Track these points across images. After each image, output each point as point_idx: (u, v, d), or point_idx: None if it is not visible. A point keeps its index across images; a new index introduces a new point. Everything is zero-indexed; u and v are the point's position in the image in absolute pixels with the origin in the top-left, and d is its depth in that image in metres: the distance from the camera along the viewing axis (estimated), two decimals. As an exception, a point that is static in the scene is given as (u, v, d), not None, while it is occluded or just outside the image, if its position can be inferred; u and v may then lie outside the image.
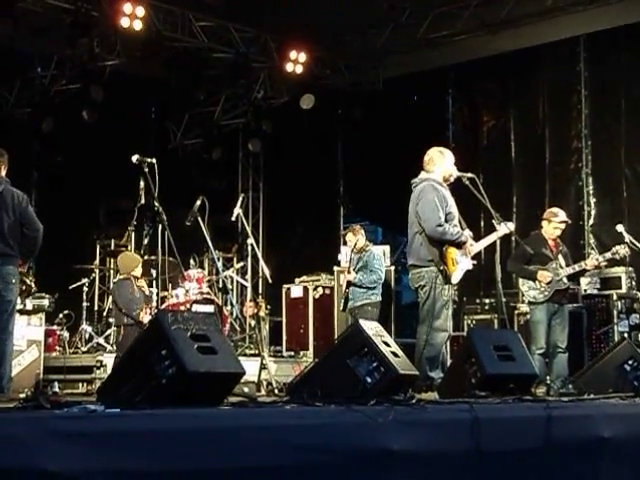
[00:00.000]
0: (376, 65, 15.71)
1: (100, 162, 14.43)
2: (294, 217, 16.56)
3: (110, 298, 12.45)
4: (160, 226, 7.97)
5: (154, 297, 10.21)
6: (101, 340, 12.00)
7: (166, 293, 11.39)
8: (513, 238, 10.38)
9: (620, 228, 10.64)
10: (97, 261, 14.01)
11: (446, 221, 8.38)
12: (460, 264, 8.45)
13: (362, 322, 5.91)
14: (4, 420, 3.84)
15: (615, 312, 11.44)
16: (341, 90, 15.87)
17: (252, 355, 11.53)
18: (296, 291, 13.52)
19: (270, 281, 11.42)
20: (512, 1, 13.60)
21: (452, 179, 8.68)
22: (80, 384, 10.72)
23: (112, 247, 14.02)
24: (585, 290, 11.88)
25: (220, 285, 13.22)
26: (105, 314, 13.00)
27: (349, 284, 11.38)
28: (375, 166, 15.34)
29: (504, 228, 8.74)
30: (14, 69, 14.10)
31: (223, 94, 15.97)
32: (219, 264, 12.25)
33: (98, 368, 10.57)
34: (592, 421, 5.67)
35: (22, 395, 6.88)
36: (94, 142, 14.37)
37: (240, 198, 10.54)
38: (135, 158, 8.03)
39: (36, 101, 14.40)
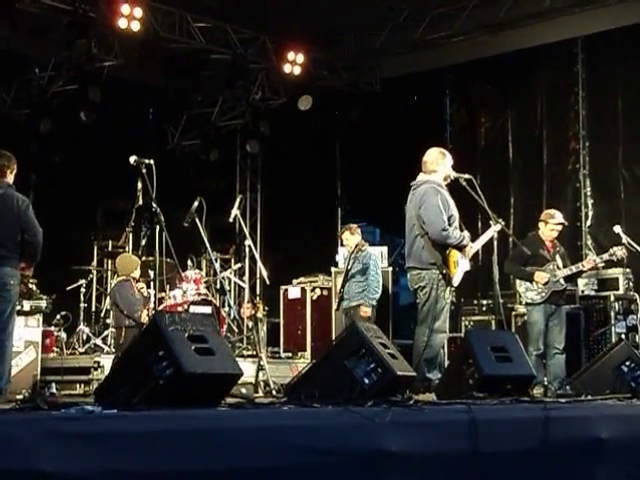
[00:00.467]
0: (374, 66, 15.72)
1: (98, 163, 14.43)
2: (292, 218, 16.56)
3: (108, 299, 12.44)
4: (158, 227, 7.96)
5: (152, 298, 10.21)
6: (98, 341, 12.00)
7: (163, 294, 11.39)
8: (510, 239, 10.38)
9: (617, 229, 10.65)
10: (95, 262, 14.02)
11: (448, 224, 8.39)
12: (460, 266, 8.47)
13: (360, 323, 5.91)
14: (1, 421, 3.83)
15: (612, 313, 11.45)
16: (339, 91, 15.87)
17: (249, 356, 11.52)
18: (294, 292, 13.52)
19: (268, 282, 11.41)
20: (510, 2, 13.62)
21: (449, 180, 8.69)
22: (77, 385, 10.71)
23: (110, 248, 14.02)
24: (582, 291, 11.88)
25: (218, 286, 13.21)
26: (103, 315, 12.99)
27: (344, 283, 11.31)
28: (373, 167, 15.35)
29: (494, 226, 8.75)
30: (12, 70, 14.08)
31: (221, 95, 15.96)
32: (217, 265, 12.23)
33: (95, 369, 10.56)
34: (589, 422, 5.67)
35: (20, 396, 6.89)
36: (92, 143, 14.37)
37: (238, 199, 10.53)
38: (133, 159, 8.03)
39: (34, 102, 14.38)
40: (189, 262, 12.58)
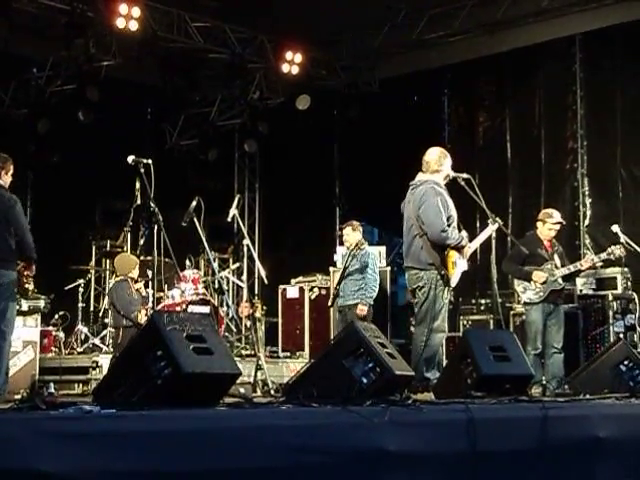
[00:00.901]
0: (372, 66, 15.71)
1: (96, 163, 14.42)
2: (290, 218, 16.56)
3: (106, 299, 12.45)
4: (156, 227, 7.96)
5: (150, 298, 10.21)
6: (97, 341, 12.00)
7: (162, 294, 11.39)
8: (509, 239, 10.38)
9: (615, 228, 10.66)
10: (93, 262, 14.01)
11: (447, 225, 8.39)
12: (458, 266, 8.47)
13: (358, 323, 5.91)
14: (0, 421, 3.83)
15: (611, 312, 11.45)
16: (337, 91, 15.87)
17: (248, 356, 11.53)
18: (292, 292, 13.52)
19: (266, 282, 11.41)
20: (508, 1, 13.62)
21: (448, 180, 8.69)
22: (76, 385, 10.71)
23: (108, 248, 14.02)
24: (581, 290, 11.88)
25: (216, 286, 13.19)
26: (101, 315, 12.99)
27: (340, 280, 11.28)
28: (371, 167, 15.34)
29: (492, 225, 8.75)
30: (10, 70, 14.08)
31: (219, 95, 15.96)
32: (215, 265, 12.22)
33: (94, 369, 10.57)
34: (588, 421, 5.67)
35: (18, 396, 6.88)
36: (90, 143, 14.37)
37: (236, 199, 10.53)
38: (131, 159, 8.03)
39: (32, 102, 14.38)
40: (187, 262, 12.57)
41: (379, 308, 11.91)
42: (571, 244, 12.81)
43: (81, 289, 12.88)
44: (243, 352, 12.24)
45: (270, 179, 17.25)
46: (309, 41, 14.78)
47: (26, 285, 8.81)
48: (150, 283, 10.15)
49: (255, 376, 8.97)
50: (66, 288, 12.79)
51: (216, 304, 12.39)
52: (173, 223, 8.78)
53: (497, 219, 8.80)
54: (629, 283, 11.75)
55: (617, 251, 10.15)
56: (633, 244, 10.51)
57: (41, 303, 10.67)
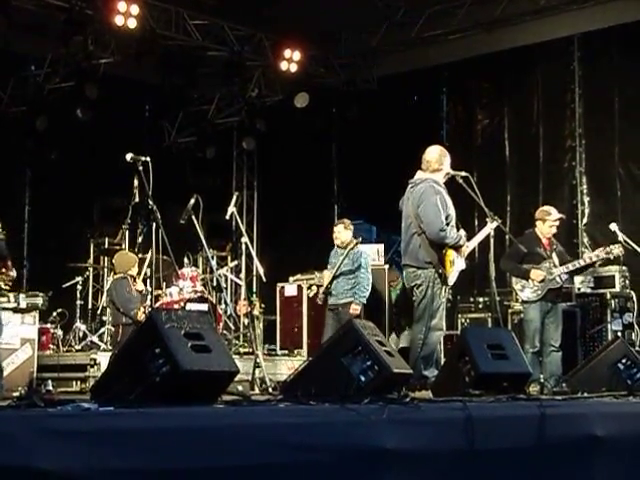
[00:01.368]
0: (370, 64, 15.71)
1: (94, 160, 14.44)
2: (288, 215, 16.56)
3: (104, 297, 12.45)
4: (154, 224, 7.96)
5: (149, 296, 10.22)
6: (95, 338, 12.00)
7: (160, 291, 11.39)
8: (507, 237, 10.39)
9: (614, 227, 10.66)
10: (91, 259, 14.01)
11: (446, 224, 8.39)
12: (456, 265, 8.48)
13: (356, 321, 5.91)
14: (-3, 418, 3.84)
15: (609, 311, 11.46)
16: (335, 89, 15.87)
17: (246, 353, 11.53)
18: (290, 290, 13.52)
19: (264, 280, 11.41)
20: (506, 0, 13.62)
21: (447, 178, 8.70)
22: (74, 382, 10.71)
23: (106, 245, 14.03)
24: (579, 289, 11.89)
25: (214, 283, 13.20)
26: (99, 312, 12.99)
27: (333, 279, 11.22)
28: (369, 164, 15.34)
29: (491, 223, 8.75)
30: (8, 67, 14.08)
31: (217, 92, 15.97)
32: (213, 262, 12.20)
33: (92, 366, 10.56)
34: (585, 420, 5.67)
35: (16, 393, 6.87)
36: (88, 140, 14.38)
37: (234, 196, 10.53)
38: (129, 156, 8.03)
39: (30, 99, 14.37)
40: (185, 259, 12.58)
41: (377, 306, 11.90)
42: (569, 242, 12.80)
43: (79, 286, 12.88)
44: (241, 350, 12.24)
45: (268, 177, 17.25)
46: (308, 39, 14.77)
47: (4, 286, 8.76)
48: (148, 281, 10.15)
49: (253, 374, 8.98)
50: (64, 285, 12.79)
51: (214, 302, 12.40)
52: (171, 221, 8.78)
53: (495, 217, 8.80)
54: (627, 281, 11.75)
55: (615, 250, 10.15)
56: (631, 242, 10.51)
57: (39, 300, 10.67)
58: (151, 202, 7.95)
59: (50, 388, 7.64)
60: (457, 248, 8.50)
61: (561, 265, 10.20)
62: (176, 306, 11.25)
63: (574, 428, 5.57)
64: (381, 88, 15.63)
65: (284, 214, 16.58)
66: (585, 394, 6.61)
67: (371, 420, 4.64)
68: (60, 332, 11.85)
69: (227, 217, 10.26)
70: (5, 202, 13.36)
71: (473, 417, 5.01)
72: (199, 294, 11.86)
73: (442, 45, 14.68)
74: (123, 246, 13.33)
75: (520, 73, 14.59)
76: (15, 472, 3.60)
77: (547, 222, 10.33)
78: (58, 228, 14.33)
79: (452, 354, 7.14)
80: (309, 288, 11.98)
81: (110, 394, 4.61)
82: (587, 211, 13.70)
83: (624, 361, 7.29)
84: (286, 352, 13.11)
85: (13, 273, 8.71)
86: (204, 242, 9.62)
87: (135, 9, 12.84)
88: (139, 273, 11.64)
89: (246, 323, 12.56)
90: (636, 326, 11.33)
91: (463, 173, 8.64)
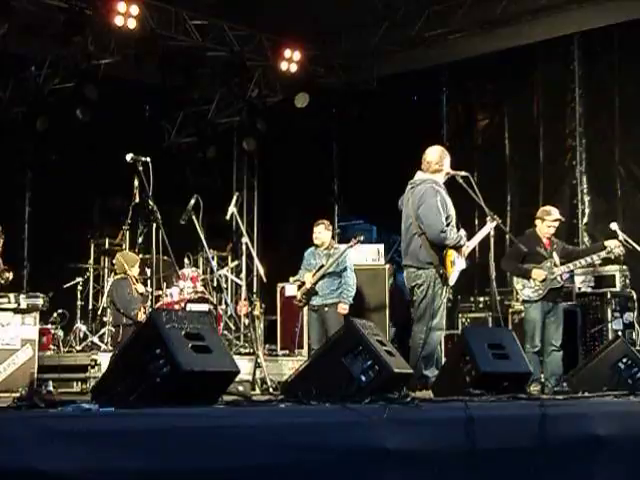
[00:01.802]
0: (370, 64, 15.70)
1: (94, 161, 14.44)
2: (288, 216, 16.56)
3: (105, 297, 12.44)
4: (154, 225, 7.96)
5: (149, 296, 10.22)
6: (95, 339, 11.99)
7: (160, 292, 11.38)
8: (507, 236, 10.39)
9: (614, 226, 10.65)
10: (91, 260, 13.99)
11: (446, 224, 8.39)
12: (456, 265, 8.48)
13: (357, 321, 5.91)
14: (-2, 419, 3.84)
15: (609, 310, 11.44)
16: (336, 89, 15.87)
17: (246, 354, 11.54)
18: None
19: (264, 280, 11.40)
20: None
21: (447, 177, 8.70)
22: (74, 383, 10.70)
23: (106, 246, 14.01)
24: (579, 288, 11.88)
25: (214, 284, 13.19)
26: (99, 313, 12.98)
27: (317, 280, 11.17)
28: (370, 164, 15.34)
29: (491, 223, 8.75)
30: (8, 68, 14.07)
31: (217, 93, 15.96)
32: (213, 263, 12.21)
33: (92, 367, 10.55)
34: (586, 419, 5.67)
35: (16, 394, 6.88)
36: (88, 141, 14.38)
37: (234, 197, 10.52)
38: (129, 157, 8.02)
39: (30, 100, 14.36)
40: (186, 260, 12.58)
41: (377, 305, 11.90)
42: (569, 242, 12.76)
43: (80, 287, 12.88)
44: (242, 350, 12.25)
45: (269, 177, 17.25)
46: (308, 39, 14.78)
47: None
48: (149, 281, 10.15)
49: (254, 374, 8.98)
50: (65, 286, 12.78)
51: (215, 302, 12.39)
52: (171, 221, 8.78)
53: (495, 217, 8.80)
54: (628, 281, 11.75)
55: (616, 249, 10.15)
56: (631, 242, 10.51)
57: (40, 301, 10.65)
58: (151, 202, 7.94)
59: (51, 389, 7.65)
60: (458, 248, 8.50)
61: (563, 264, 10.20)
62: (176, 307, 11.25)
63: (575, 428, 5.57)
64: (381, 88, 15.62)
65: (284, 214, 16.58)
66: (586, 394, 6.62)
67: (372, 420, 4.64)
68: (61, 333, 11.84)
69: (227, 217, 10.25)
70: (5, 203, 13.38)
71: (474, 417, 5.01)
72: (199, 294, 11.86)
73: (442, 45, 14.66)
74: (123, 247, 13.32)
75: (520, 73, 14.58)
76: (15, 473, 3.60)
77: (546, 222, 10.33)
78: (58, 229, 14.33)
79: (453, 354, 7.15)
80: (299, 289, 11.86)
81: (111, 395, 4.61)
82: (587, 210, 13.69)
83: (625, 360, 7.29)
84: (287, 352, 13.10)
85: (8, 275, 8.73)
86: (204, 242, 9.61)
87: (135, 9, 12.83)
88: (140, 273, 11.63)
89: (246, 323, 12.56)
90: (637, 325, 11.32)
91: (463, 173, 8.64)
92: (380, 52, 15.29)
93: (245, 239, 10.63)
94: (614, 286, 11.70)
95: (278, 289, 13.59)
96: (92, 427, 3.91)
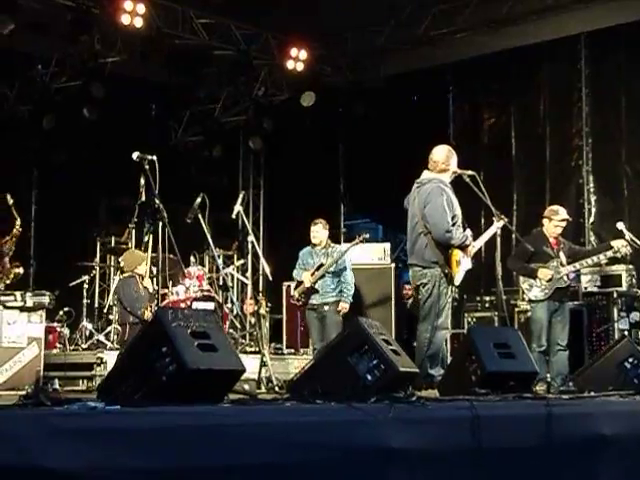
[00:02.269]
0: (377, 63, 15.70)
1: (101, 159, 14.45)
2: (294, 215, 16.55)
3: (111, 296, 12.45)
4: (160, 223, 7.97)
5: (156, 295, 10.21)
6: (101, 337, 11.99)
7: (166, 290, 11.39)
8: (513, 236, 10.39)
9: (620, 226, 10.64)
10: (97, 258, 14.01)
11: (452, 224, 8.39)
12: (462, 265, 8.48)
13: (363, 320, 5.91)
14: (4, 417, 3.83)
15: (615, 310, 11.43)
16: (342, 88, 15.86)
17: (252, 352, 11.53)
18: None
19: (270, 278, 11.42)
20: (513, -1, 13.63)
21: (453, 176, 8.70)
22: (80, 381, 10.71)
23: (112, 244, 14.04)
24: (585, 288, 11.87)
25: (220, 282, 13.21)
26: (105, 311, 12.99)
27: (317, 279, 11.17)
28: (376, 163, 15.34)
29: (497, 222, 8.76)
30: (14, 67, 14.09)
31: (224, 91, 15.96)
32: (219, 261, 12.22)
33: (98, 365, 10.55)
34: (592, 419, 5.66)
35: (22, 392, 6.89)
36: (95, 139, 14.40)
37: (240, 195, 10.53)
38: (136, 155, 8.03)
39: (37, 99, 14.38)
40: (192, 258, 12.58)
41: (383, 304, 11.89)
42: (576, 241, 12.77)
43: (86, 285, 12.88)
44: (247, 349, 12.24)
45: (275, 176, 17.25)
46: (314, 38, 14.78)
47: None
48: (155, 280, 10.15)
49: (259, 373, 8.98)
50: (71, 284, 12.79)
51: (220, 301, 12.40)
52: (178, 219, 8.79)
53: (502, 216, 8.80)
54: (634, 280, 11.74)
55: (623, 249, 10.14)
56: (638, 241, 10.50)
57: (46, 299, 10.66)
58: (157, 201, 7.95)
59: (57, 387, 7.66)
60: (463, 248, 8.50)
61: (570, 263, 10.19)
62: (182, 305, 11.24)
63: (581, 427, 5.56)
64: (387, 87, 15.60)
65: (290, 213, 16.57)
66: (592, 393, 6.60)
67: (377, 419, 4.64)
68: (67, 331, 11.85)
69: (233, 216, 10.26)
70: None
71: (480, 416, 5.00)
72: (205, 293, 11.86)
73: (448, 44, 14.65)
74: (130, 245, 13.33)
75: (527, 72, 14.57)
76: (21, 471, 3.61)
77: (553, 221, 10.32)
78: (65, 227, 14.35)
79: (459, 353, 7.15)
80: (295, 288, 11.83)
81: (117, 393, 4.61)
82: (594, 210, 13.68)
83: (631, 360, 7.28)
84: (292, 351, 13.11)
85: (18, 270, 8.74)
86: (210, 241, 9.62)
87: (141, 8, 12.84)
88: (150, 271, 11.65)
89: (252, 322, 12.57)
90: (643, 325, 11.32)
91: (470, 172, 8.64)
92: (386, 51, 15.29)
93: (251, 238, 10.64)
94: (620, 286, 11.69)
95: (284, 288, 13.60)
96: (98, 425, 3.91)
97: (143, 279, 11.46)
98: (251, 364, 8.91)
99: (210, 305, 11.50)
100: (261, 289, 15.14)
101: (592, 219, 13.64)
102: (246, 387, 5.80)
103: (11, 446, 3.62)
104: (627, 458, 5.68)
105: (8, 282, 9.88)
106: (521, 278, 10.42)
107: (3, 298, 9.62)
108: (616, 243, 10.21)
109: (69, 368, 10.61)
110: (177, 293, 11.61)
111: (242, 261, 14.60)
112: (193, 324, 4.93)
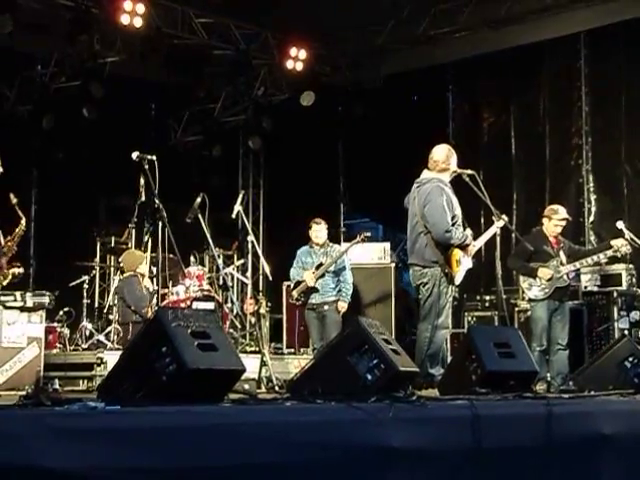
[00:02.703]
0: (376, 62, 15.69)
1: (100, 159, 14.44)
2: (294, 214, 16.54)
3: (111, 296, 12.44)
4: (160, 223, 7.97)
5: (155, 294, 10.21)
6: (101, 337, 11.99)
7: (166, 290, 11.39)
8: (513, 235, 10.39)
9: (620, 225, 10.65)
10: (97, 258, 14.00)
11: (452, 224, 8.39)
12: (462, 264, 8.48)
13: (363, 319, 5.91)
14: (4, 417, 3.83)
15: (615, 309, 11.43)
16: (341, 87, 15.86)
17: (252, 352, 11.52)
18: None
19: (270, 278, 11.42)
20: (512, -2, 13.63)
21: (453, 176, 8.70)
22: (80, 381, 10.70)
23: (112, 244, 14.03)
24: (585, 287, 11.87)
25: (220, 282, 13.19)
26: (106, 311, 12.99)
27: (318, 278, 11.17)
28: (375, 163, 15.34)
29: (497, 222, 8.76)
30: (14, 66, 14.08)
31: (223, 91, 15.96)
32: (219, 261, 12.21)
33: (98, 365, 10.54)
34: (592, 418, 5.66)
35: (23, 392, 6.89)
36: (94, 139, 14.39)
37: (240, 195, 10.54)
38: (135, 155, 8.03)
39: (36, 98, 14.37)
40: (192, 258, 12.58)
41: (383, 303, 11.89)
42: (576, 240, 12.77)
43: (86, 285, 12.88)
44: (247, 348, 12.24)
45: (274, 175, 17.24)
46: (313, 37, 14.78)
47: None
48: (155, 279, 10.15)
49: (260, 372, 8.98)
50: (71, 284, 12.79)
51: (220, 300, 12.39)
52: (177, 219, 8.78)
53: (502, 216, 8.80)
54: (634, 280, 11.74)
55: (623, 248, 10.14)
56: (638, 240, 10.50)
57: (46, 299, 10.64)
58: (157, 201, 7.95)
59: (57, 387, 7.66)
60: (464, 247, 8.50)
61: (569, 262, 10.19)
62: (182, 305, 11.24)
63: (581, 426, 5.56)
64: (387, 86, 15.61)
65: (290, 213, 16.56)
66: (592, 392, 6.60)
67: (377, 418, 4.64)
68: (67, 331, 11.84)
69: (233, 216, 10.27)
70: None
71: (480, 415, 5.00)
72: (205, 293, 11.85)
73: (448, 43, 14.65)
74: (129, 245, 13.32)
75: (526, 71, 14.57)
76: (21, 471, 3.61)
77: (553, 220, 10.32)
78: (64, 227, 14.34)
79: (459, 352, 7.14)
80: (294, 288, 11.80)
81: (117, 393, 4.61)
82: (594, 209, 13.68)
83: (631, 359, 7.27)
84: (292, 351, 13.10)
85: (19, 270, 8.72)
86: (210, 241, 9.62)
87: (141, 8, 12.84)
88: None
89: (252, 322, 12.55)
90: (643, 324, 11.32)
91: (469, 171, 8.64)
92: (386, 51, 15.29)
93: (251, 237, 10.65)
94: (620, 285, 11.69)
95: (284, 287, 13.58)
96: (98, 425, 3.92)
97: (144, 278, 11.46)
98: (251, 364, 8.90)
99: (210, 305, 11.49)
100: (261, 289, 15.14)
101: (592, 218, 13.64)
102: (246, 387, 5.80)
103: (11, 446, 3.62)
104: (627, 457, 5.68)
105: (5, 283, 9.86)
106: (521, 277, 10.43)
107: (3, 298, 9.60)
108: (616, 242, 10.21)
109: (69, 368, 10.60)
110: (177, 293, 11.61)
111: (242, 261, 14.60)
112: (193, 324, 4.93)
